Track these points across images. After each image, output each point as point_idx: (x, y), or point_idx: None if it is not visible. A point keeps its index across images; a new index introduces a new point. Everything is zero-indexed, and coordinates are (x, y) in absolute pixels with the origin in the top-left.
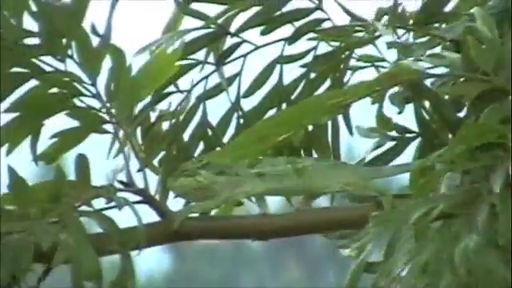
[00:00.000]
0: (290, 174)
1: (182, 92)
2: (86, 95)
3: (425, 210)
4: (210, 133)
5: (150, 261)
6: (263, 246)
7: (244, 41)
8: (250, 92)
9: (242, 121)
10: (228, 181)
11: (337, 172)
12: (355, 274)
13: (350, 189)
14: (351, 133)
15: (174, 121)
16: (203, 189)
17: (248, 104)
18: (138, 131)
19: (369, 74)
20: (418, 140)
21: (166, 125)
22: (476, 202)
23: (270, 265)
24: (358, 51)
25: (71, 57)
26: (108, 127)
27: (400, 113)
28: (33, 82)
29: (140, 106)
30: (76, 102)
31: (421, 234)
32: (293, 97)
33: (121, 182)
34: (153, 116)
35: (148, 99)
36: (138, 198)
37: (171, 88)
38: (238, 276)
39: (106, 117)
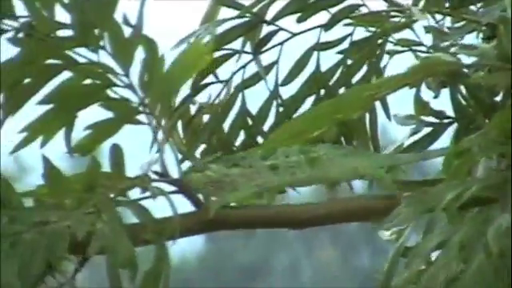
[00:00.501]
0: (303, 165)
1: (220, 82)
2: (119, 86)
3: (457, 192)
4: (250, 122)
5: (183, 242)
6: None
7: (280, 29)
8: (288, 80)
9: (281, 109)
10: (241, 173)
11: (350, 160)
12: (394, 259)
13: (360, 176)
14: (389, 119)
15: (213, 112)
16: (215, 182)
17: (287, 92)
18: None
19: (406, 58)
20: (455, 126)
21: (206, 116)
22: (509, 184)
23: (304, 245)
24: (396, 35)
25: (104, 48)
26: (142, 118)
27: (436, 97)
28: (66, 74)
29: (179, 98)
30: (109, 93)
31: (454, 217)
32: (330, 83)
33: (155, 173)
34: (193, 108)
35: (187, 91)
36: (173, 189)
37: (210, 79)
38: (271, 256)
39: (140, 107)
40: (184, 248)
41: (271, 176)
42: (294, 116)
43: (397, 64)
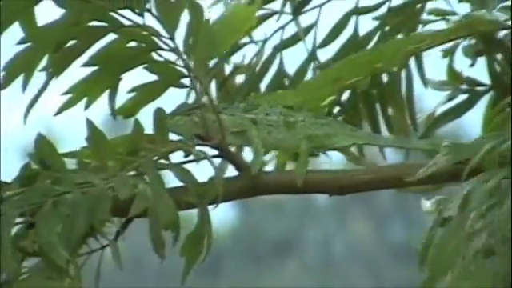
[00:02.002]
0: (281, 127)
1: (255, 43)
2: (163, 49)
3: (495, 143)
4: (286, 82)
5: (216, 215)
6: (330, 199)
7: None
8: (326, 42)
9: (317, 72)
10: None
11: (325, 129)
12: (433, 229)
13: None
14: (425, 85)
15: (249, 72)
16: (200, 127)
17: (324, 55)
18: (213, 84)
19: (439, 27)
20: (490, 94)
21: (240, 77)
22: None
23: (336, 218)
24: (429, 4)
25: (149, 11)
26: (185, 81)
27: (472, 65)
28: (111, 36)
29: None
30: (154, 56)
31: (493, 167)
32: (368, 47)
33: (198, 136)
34: (227, 68)
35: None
36: (215, 152)
37: (245, 39)
38: (303, 230)
39: (184, 71)
40: (216, 222)
41: (251, 128)
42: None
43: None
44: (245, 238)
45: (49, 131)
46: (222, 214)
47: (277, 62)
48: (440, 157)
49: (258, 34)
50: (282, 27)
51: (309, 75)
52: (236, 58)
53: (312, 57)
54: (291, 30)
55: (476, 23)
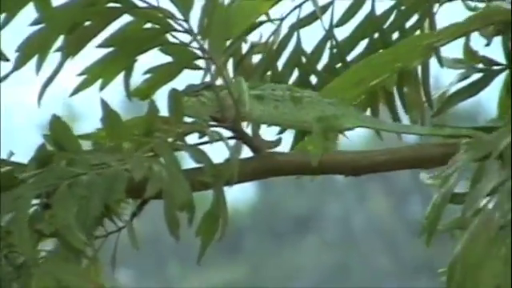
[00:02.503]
0: (287, 101)
1: (272, 22)
2: (178, 31)
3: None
4: (304, 60)
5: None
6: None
7: None
8: (342, 21)
9: (335, 50)
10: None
11: (330, 109)
12: (439, 205)
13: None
14: (441, 64)
15: (266, 51)
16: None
17: (341, 33)
18: (230, 63)
19: (455, 6)
20: (506, 73)
21: (257, 57)
22: None
23: (356, 195)
24: None
25: None
26: (200, 63)
27: (488, 45)
28: (126, 18)
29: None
30: (169, 37)
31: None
32: (384, 27)
33: (213, 118)
34: (244, 47)
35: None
36: (230, 134)
37: (262, 18)
38: (323, 206)
39: (199, 52)
40: (236, 198)
41: (255, 103)
42: (348, 59)
43: (447, 11)
44: (265, 215)
45: (69, 108)
46: (242, 192)
47: (294, 40)
48: (460, 154)
49: (275, 12)
50: (299, 6)
51: (326, 54)
52: (253, 37)
53: (329, 35)
54: (308, 8)
55: (493, 14)
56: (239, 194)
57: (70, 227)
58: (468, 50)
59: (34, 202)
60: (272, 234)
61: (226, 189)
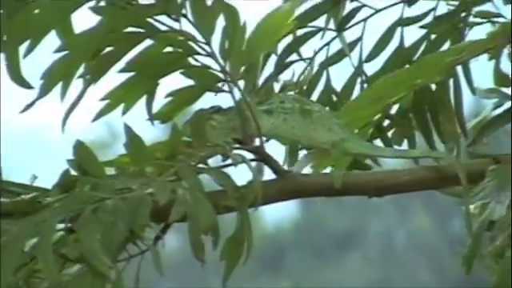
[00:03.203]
0: (296, 114)
1: (304, 60)
2: (200, 54)
3: None
4: (334, 98)
5: (278, 210)
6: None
7: (364, 5)
8: (372, 56)
9: (365, 85)
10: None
11: (336, 126)
12: (478, 233)
13: (326, 146)
14: (473, 92)
15: (297, 90)
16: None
17: (371, 68)
18: None
19: (485, 31)
20: None
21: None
22: None
23: (397, 211)
24: (475, 8)
25: (185, 16)
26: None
27: None
28: (147, 42)
29: (263, 77)
30: (191, 60)
31: None
32: (414, 58)
33: (236, 140)
34: (276, 86)
35: (271, 69)
36: (253, 157)
37: (294, 57)
38: (365, 223)
39: (221, 75)
40: (279, 216)
41: (265, 118)
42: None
43: (477, 36)
44: (307, 232)
45: (108, 125)
46: (284, 209)
47: (324, 78)
48: (487, 181)
49: (306, 51)
50: (327, 44)
51: (356, 90)
52: (285, 76)
53: (358, 71)
54: (337, 46)
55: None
56: (282, 211)
57: (95, 252)
58: (498, 73)
59: (58, 226)
60: (314, 251)
61: (269, 206)
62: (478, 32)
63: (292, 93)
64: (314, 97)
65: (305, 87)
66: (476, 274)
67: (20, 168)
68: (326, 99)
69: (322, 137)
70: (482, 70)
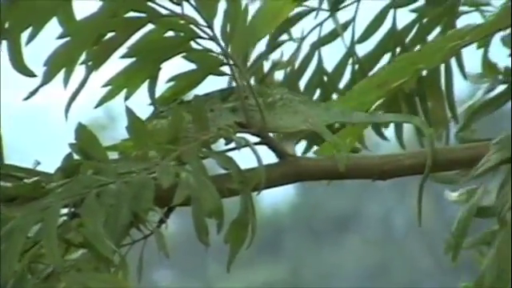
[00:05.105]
0: (262, 110)
1: (294, 41)
2: (202, 38)
3: None
4: (326, 79)
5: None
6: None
7: None
8: (364, 37)
9: (356, 67)
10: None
11: (303, 109)
12: (464, 220)
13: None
14: (465, 77)
15: (289, 70)
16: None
17: (362, 50)
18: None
19: (474, 19)
20: None
21: (279, 74)
22: None
23: (396, 194)
24: None
25: (187, 0)
26: (225, 69)
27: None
28: (149, 27)
29: (253, 55)
30: (192, 44)
31: None
32: (406, 41)
33: (239, 124)
34: (266, 65)
35: (261, 48)
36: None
37: (284, 37)
38: (363, 205)
39: (223, 58)
40: (276, 199)
41: (228, 114)
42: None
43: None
44: (305, 215)
45: (105, 108)
46: (282, 192)
47: (315, 59)
48: (491, 154)
49: (296, 31)
50: (320, 24)
51: (348, 71)
52: (275, 56)
53: (350, 52)
54: (329, 26)
55: None
56: (280, 194)
57: (99, 236)
58: (487, 62)
59: (62, 212)
60: (312, 234)
61: (266, 190)
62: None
63: (280, 74)
64: (305, 77)
65: (296, 66)
66: (472, 256)
67: (18, 150)
68: (317, 80)
69: (286, 122)
70: (470, 58)
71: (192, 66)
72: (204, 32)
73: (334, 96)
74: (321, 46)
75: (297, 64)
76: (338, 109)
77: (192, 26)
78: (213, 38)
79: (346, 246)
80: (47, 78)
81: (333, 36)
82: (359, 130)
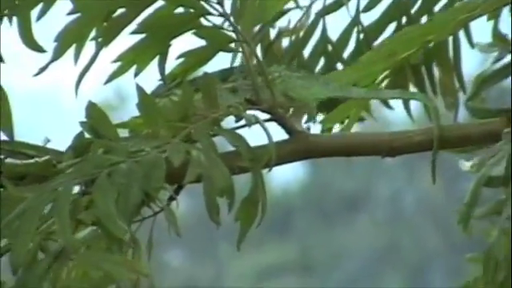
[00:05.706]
0: (263, 87)
1: (301, 8)
2: (212, 14)
3: None
4: (330, 48)
5: (286, 172)
6: (399, 156)
7: None
8: (369, 6)
9: (361, 36)
10: None
11: (302, 83)
12: (475, 189)
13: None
14: (472, 46)
15: (293, 38)
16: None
17: (368, 19)
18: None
19: None
20: None
21: (285, 42)
22: None
23: (406, 174)
24: None
25: None
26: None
27: None
28: (159, 3)
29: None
30: (203, 21)
31: None
32: (412, 11)
33: (248, 101)
34: (272, 33)
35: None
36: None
37: (290, 4)
38: (373, 185)
39: (233, 35)
40: (286, 180)
41: (231, 98)
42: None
43: None
44: (315, 195)
45: (115, 88)
46: (292, 171)
47: (320, 27)
48: (501, 145)
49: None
50: None
51: (352, 40)
52: (281, 23)
53: (355, 21)
54: None
55: None
56: (289, 174)
57: (111, 216)
58: (497, 34)
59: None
60: (322, 214)
61: (276, 169)
62: None
63: (286, 41)
64: (310, 46)
65: (301, 34)
66: (483, 236)
67: (29, 129)
68: (321, 49)
69: (280, 98)
70: (479, 31)
71: (202, 43)
72: (214, 8)
73: (339, 65)
74: (325, 14)
75: (301, 32)
76: (337, 83)
77: (202, 3)
78: (223, 15)
79: (355, 226)
80: (57, 54)
81: (338, 5)
82: (364, 100)
